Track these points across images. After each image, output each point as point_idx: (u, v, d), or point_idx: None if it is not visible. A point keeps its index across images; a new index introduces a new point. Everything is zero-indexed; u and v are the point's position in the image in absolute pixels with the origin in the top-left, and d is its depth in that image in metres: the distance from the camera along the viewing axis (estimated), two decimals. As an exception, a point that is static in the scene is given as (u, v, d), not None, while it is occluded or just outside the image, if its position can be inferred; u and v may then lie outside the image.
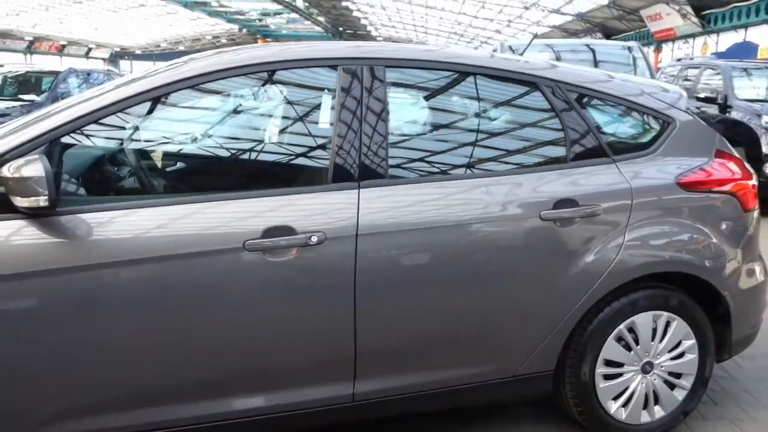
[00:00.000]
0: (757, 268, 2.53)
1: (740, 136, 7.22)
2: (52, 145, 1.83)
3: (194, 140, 2.41)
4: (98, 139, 2.05)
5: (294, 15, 35.51)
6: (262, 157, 2.38)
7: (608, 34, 29.09)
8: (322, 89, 2.25)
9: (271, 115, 2.45)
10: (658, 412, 2.41)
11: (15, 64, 12.83)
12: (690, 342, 2.39)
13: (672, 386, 2.41)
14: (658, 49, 26.70)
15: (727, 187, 2.40)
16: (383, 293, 2.02)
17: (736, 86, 7.85)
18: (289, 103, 2.32)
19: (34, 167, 1.66)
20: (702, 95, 7.99)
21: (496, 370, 2.22)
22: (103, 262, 1.78)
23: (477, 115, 2.38)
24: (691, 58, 11.21)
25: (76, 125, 1.85)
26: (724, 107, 7.65)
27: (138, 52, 54.24)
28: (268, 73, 2.14)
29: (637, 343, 2.33)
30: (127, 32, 47.11)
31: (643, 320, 2.31)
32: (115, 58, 54.58)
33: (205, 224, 1.89)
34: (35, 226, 1.74)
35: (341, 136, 2.05)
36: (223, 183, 2.28)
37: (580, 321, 2.25)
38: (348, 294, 1.97)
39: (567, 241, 2.19)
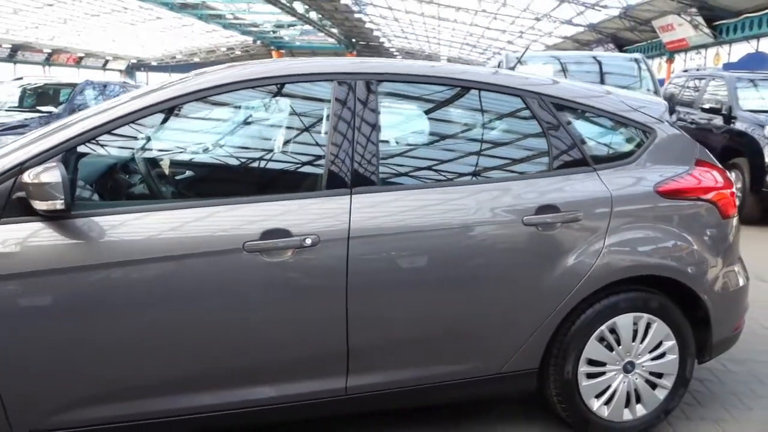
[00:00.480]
0: (737, 273, 2.62)
1: (744, 146, 7.31)
2: (68, 154, 2.01)
3: (199, 150, 2.59)
4: (111, 148, 2.22)
5: (307, 27, 35.86)
6: (263, 165, 2.54)
7: (620, 44, 29.05)
8: (318, 101, 2.40)
9: (270, 127, 2.62)
10: (640, 410, 2.51)
11: (33, 76, 13.12)
12: (670, 343, 2.49)
13: (653, 385, 2.51)
14: (670, 60, 26.60)
15: (706, 196, 2.50)
16: (373, 293, 2.16)
17: (742, 97, 7.91)
18: (286, 114, 2.48)
19: (52, 174, 1.83)
20: (707, 106, 8.07)
21: (481, 367, 2.34)
22: (114, 261, 1.95)
23: (465, 125, 2.52)
24: (697, 69, 11.25)
25: (91, 135, 2.04)
26: (729, 118, 7.72)
27: (154, 63, 54.96)
28: (268, 86, 2.29)
29: (618, 343, 2.43)
30: (143, 44, 47.84)
31: (624, 322, 2.42)
32: (131, 69, 55.32)
33: (208, 227, 2.04)
34: (53, 228, 1.92)
35: (336, 144, 2.20)
36: (225, 189, 2.44)
37: (563, 321, 2.36)
38: (340, 293, 2.11)
39: (549, 246, 2.30)
